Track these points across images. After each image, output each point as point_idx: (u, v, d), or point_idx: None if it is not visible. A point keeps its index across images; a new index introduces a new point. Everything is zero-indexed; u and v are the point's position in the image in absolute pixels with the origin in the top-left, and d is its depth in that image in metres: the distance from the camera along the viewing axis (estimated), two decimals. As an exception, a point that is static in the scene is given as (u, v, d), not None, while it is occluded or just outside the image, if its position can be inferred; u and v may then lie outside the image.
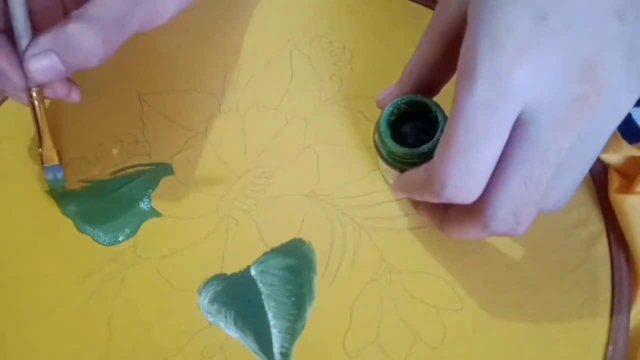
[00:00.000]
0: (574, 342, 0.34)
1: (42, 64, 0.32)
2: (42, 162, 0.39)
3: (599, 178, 0.38)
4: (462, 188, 0.27)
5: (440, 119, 0.32)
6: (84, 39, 0.33)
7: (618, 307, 0.34)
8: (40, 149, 0.39)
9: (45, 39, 0.33)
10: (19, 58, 0.33)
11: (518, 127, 0.25)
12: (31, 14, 0.34)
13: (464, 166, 0.26)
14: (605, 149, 0.37)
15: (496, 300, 0.35)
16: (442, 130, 0.32)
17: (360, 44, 0.45)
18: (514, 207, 0.27)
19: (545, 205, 0.28)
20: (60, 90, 0.37)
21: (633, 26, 0.25)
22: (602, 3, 0.24)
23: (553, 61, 0.24)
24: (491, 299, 0.35)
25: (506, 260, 0.36)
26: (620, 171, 0.37)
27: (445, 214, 0.33)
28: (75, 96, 0.37)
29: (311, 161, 0.41)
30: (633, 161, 0.37)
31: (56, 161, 0.39)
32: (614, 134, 0.37)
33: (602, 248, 0.36)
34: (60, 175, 0.40)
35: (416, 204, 0.37)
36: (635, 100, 0.26)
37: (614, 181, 0.37)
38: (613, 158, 0.37)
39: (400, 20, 0.46)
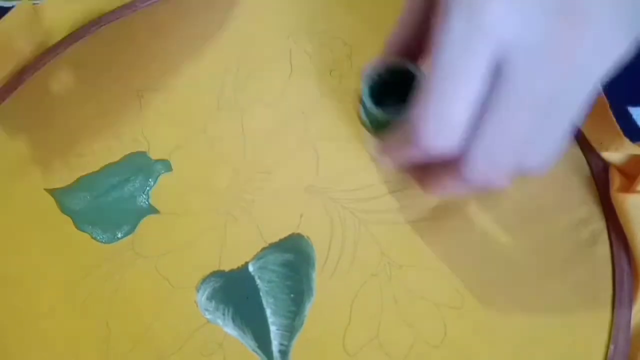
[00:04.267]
0: (575, 340, 0.34)
1: None
2: None
3: (600, 177, 0.38)
4: (440, 135, 0.25)
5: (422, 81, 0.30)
6: None
7: (619, 305, 0.34)
8: None
9: None
10: None
11: (495, 68, 0.24)
12: None
13: (441, 112, 0.24)
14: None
15: (497, 298, 0.35)
16: None
17: (359, 40, 0.45)
18: (492, 154, 0.25)
19: (526, 160, 0.26)
20: None
21: None
22: None
23: None
24: (492, 297, 0.35)
25: (507, 257, 0.36)
26: (621, 170, 0.37)
27: (425, 171, 0.31)
28: None
29: (310, 156, 0.41)
30: (635, 160, 0.37)
31: None
32: (614, 133, 0.37)
33: (603, 247, 0.36)
34: None
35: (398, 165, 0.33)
36: (625, 44, 0.24)
37: (615, 180, 0.37)
38: (614, 157, 0.37)
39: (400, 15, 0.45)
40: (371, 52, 0.44)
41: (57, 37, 0.47)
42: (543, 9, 0.23)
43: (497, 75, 0.24)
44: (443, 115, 0.25)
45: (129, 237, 0.39)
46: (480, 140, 0.25)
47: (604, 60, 0.24)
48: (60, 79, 0.45)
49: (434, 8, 0.28)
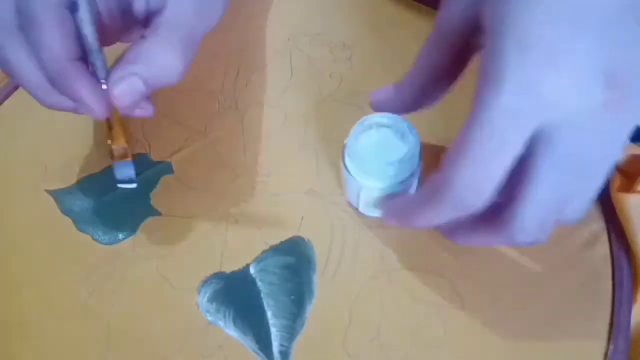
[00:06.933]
0: (575, 341, 0.34)
1: (125, 87, 0.32)
2: (111, 157, 0.37)
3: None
4: (475, 195, 0.26)
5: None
6: (163, 58, 0.33)
7: (619, 306, 0.34)
8: (110, 143, 0.37)
9: (124, 65, 0.33)
10: (98, 85, 0.33)
11: (543, 136, 0.25)
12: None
13: (481, 173, 0.25)
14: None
15: (496, 299, 0.35)
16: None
17: (359, 42, 0.45)
18: (542, 217, 0.26)
19: (566, 214, 0.27)
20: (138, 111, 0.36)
21: None
22: (627, 11, 0.24)
23: (581, 69, 0.24)
24: (491, 298, 0.35)
25: (506, 258, 0.36)
26: (622, 170, 0.37)
27: (457, 224, 0.31)
28: (149, 110, 0.36)
29: (310, 158, 0.41)
30: (635, 160, 0.37)
31: (128, 157, 0.37)
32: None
33: (602, 247, 0.36)
34: (130, 172, 0.37)
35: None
36: None
37: (616, 180, 0.37)
38: (614, 156, 0.37)
39: (399, 18, 0.46)
40: (371, 54, 0.44)
41: (59, 40, 0.47)
42: (593, 82, 0.24)
43: (542, 136, 0.25)
44: (482, 175, 0.26)
45: (130, 238, 0.39)
46: (530, 203, 0.26)
47: (635, 123, 0.25)
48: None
49: (457, 59, 0.30)
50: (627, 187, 0.36)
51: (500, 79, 0.24)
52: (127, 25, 0.36)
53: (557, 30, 0.24)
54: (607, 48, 0.24)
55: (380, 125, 0.33)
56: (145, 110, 0.35)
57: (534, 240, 0.27)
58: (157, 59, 0.33)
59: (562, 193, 0.26)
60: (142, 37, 0.34)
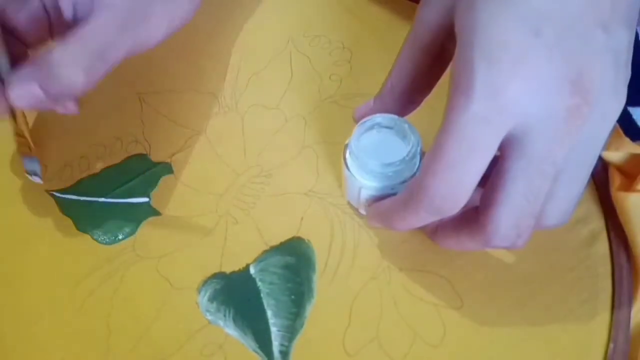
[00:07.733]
0: (575, 340, 0.34)
1: (21, 92, 0.32)
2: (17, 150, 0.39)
3: (599, 176, 0.38)
4: (450, 200, 0.27)
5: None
6: (65, 72, 0.33)
7: (618, 304, 0.34)
8: (17, 137, 0.39)
9: (26, 69, 0.33)
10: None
11: (513, 141, 0.26)
12: (16, 30, 0.35)
13: (454, 178, 0.26)
14: (604, 148, 0.37)
15: (496, 298, 0.35)
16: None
17: (359, 44, 0.45)
18: (516, 221, 0.27)
19: (547, 219, 0.28)
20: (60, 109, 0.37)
21: (617, 35, 0.25)
22: (588, 15, 0.25)
23: (546, 75, 0.25)
24: (491, 297, 0.35)
25: (506, 258, 0.36)
26: (621, 169, 0.37)
27: (439, 225, 0.33)
28: (71, 107, 0.36)
29: (310, 160, 0.41)
30: (634, 159, 0.37)
31: (31, 152, 0.39)
32: (615, 132, 0.37)
33: (602, 246, 0.36)
34: (35, 166, 0.39)
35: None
36: (622, 106, 0.26)
37: (615, 179, 0.37)
38: (614, 156, 0.37)
39: (399, 19, 0.46)
40: (370, 56, 0.45)
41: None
42: (558, 88, 0.25)
43: (514, 142, 0.26)
44: (455, 181, 0.26)
45: (130, 238, 0.39)
46: (504, 208, 0.27)
47: (609, 122, 0.26)
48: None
49: (434, 64, 0.31)
50: (627, 186, 0.36)
51: (469, 87, 0.25)
52: (57, 28, 0.36)
53: (521, 38, 0.25)
54: (569, 54, 0.25)
55: (381, 126, 0.33)
56: (67, 109, 0.36)
57: (511, 244, 0.28)
58: (59, 71, 0.32)
59: (537, 197, 0.26)
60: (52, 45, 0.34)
